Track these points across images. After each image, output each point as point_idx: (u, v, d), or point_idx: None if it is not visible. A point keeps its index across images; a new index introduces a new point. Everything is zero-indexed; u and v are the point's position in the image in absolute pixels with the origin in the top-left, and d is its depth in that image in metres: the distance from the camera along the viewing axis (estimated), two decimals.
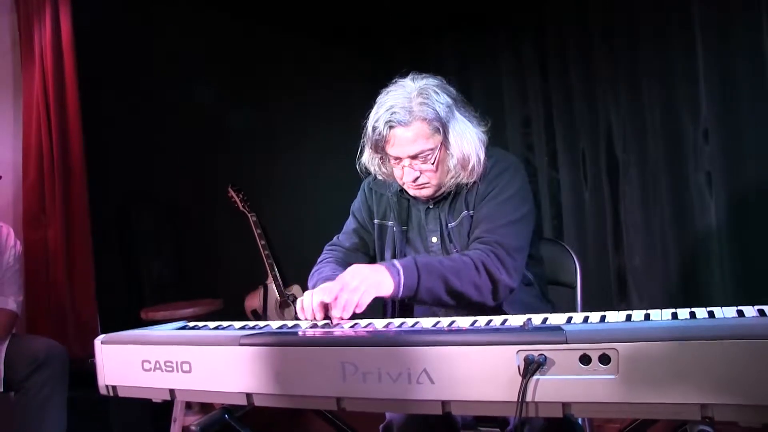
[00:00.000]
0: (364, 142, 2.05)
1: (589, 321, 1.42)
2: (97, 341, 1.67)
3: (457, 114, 1.97)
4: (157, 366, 1.56)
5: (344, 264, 2.13)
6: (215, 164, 4.30)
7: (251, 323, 1.80)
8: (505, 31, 4.60)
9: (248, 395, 1.47)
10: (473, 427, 1.98)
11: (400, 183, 2.04)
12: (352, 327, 1.60)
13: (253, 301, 4.16)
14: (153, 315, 3.37)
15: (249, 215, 4.18)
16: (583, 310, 2.12)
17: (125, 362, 1.61)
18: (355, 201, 2.27)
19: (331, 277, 1.92)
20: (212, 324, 1.85)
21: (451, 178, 1.98)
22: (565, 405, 1.18)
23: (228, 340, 1.49)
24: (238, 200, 4.20)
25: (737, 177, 3.78)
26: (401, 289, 1.76)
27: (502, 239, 1.92)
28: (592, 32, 4.26)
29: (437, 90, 1.94)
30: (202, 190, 4.25)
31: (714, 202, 3.87)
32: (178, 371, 1.54)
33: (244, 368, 1.45)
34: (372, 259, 2.22)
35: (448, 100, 1.95)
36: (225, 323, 1.83)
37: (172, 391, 1.57)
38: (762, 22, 3.62)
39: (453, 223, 2.04)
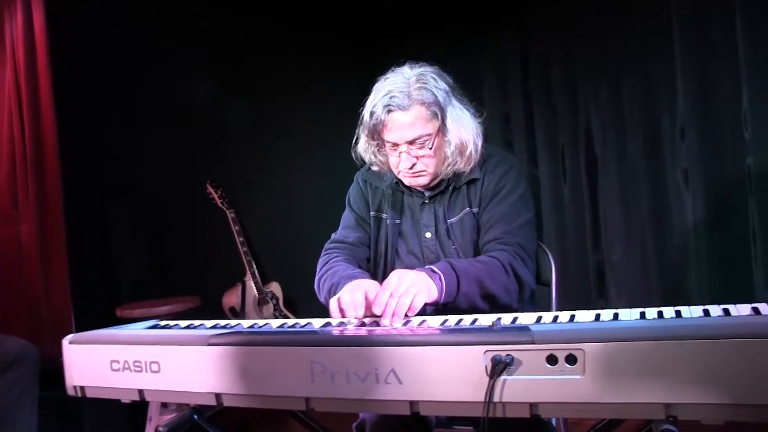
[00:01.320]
0: (359, 130, 2.04)
1: (558, 321, 1.42)
2: (65, 341, 1.65)
3: (454, 101, 1.98)
4: (126, 366, 1.55)
5: (354, 260, 2.12)
6: (194, 160, 4.27)
7: (223, 322, 1.79)
8: (486, 28, 4.59)
9: (217, 395, 1.46)
10: (447, 426, 1.98)
11: (396, 172, 2.03)
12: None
13: (231, 299, 4.14)
14: (129, 313, 3.35)
15: (227, 212, 4.16)
16: (558, 309, 2.12)
17: (93, 362, 1.60)
18: (350, 193, 2.25)
19: (354, 276, 1.92)
20: (183, 323, 1.83)
21: (448, 165, 1.98)
22: (533, 405, 1.18)
23: (197, 339, 1.48)
24: (216, 197, 4.18)
25: (714, 174, 3.80)
26: (443, 294, 1.73)
27: (522, 241, 1.95)
28: (571, 30, 4.26)
29: (435, 76, 1.94)
30: (180, 187, 4.22)
31: (691, 199, 3.89)
32: (146, 371, 1.53)
33: (213, 368, 1.44)
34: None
35: (446, 86, 1.96)
36: (197, 322, 1.82)
37: (141, 392, 1.56)
38: (736, 20, 3.64)
39: (453, 219, 2.03)
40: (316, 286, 2.11)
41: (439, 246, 2.05)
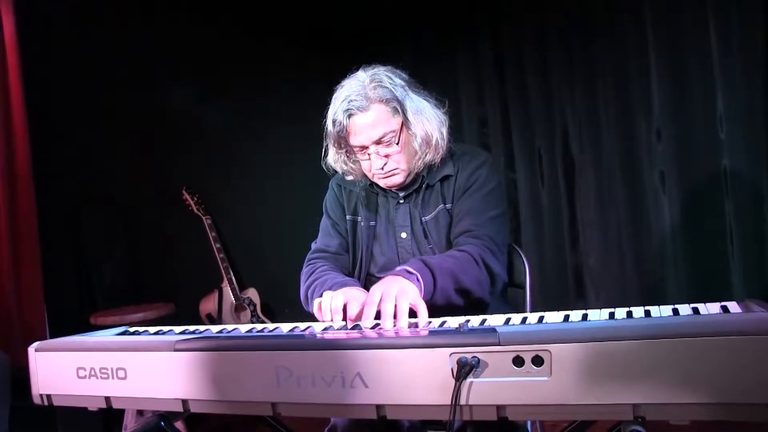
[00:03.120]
0: (326, 142, 2.03)
1: (527, 322, 1.41)
2: (31, 349, 1.62)
3: (412, 94, 1.97)
4: (92, 373, 1.52)
5: (339, 270, 2.11)
6: (170, 166, 4.23)
7: (192, 328, 1.77)
8: (461, 31, 4.61)
9: (184, 401, 1.44)
10: (420, 430, 1.96)
11: (369, 175, 2.03)
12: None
13: (208, 305, 4.10)
14: (103, 320, 3.30)
15: (204, 218, 4.13)
16: (533, 311, 2.12)
17: (60, 370, 1.56)
18: (326, 200, 2.23)
19: (346, 283, 1.92)
20: (153, 329, 1.81)
21: (419, 159, 1.97)
22: (500, 407, 1.16)
23: (163, 345, 1.45)
24: (192, 203, 4.14)
25: (690, 175, 3.83)
26: (422, 293, 1.70)
27: (492, 234, 1.95)
28: (547, 33, 4.28)
29: (389, 74, 1.94)
30: (156, 192, 4.18)
31: (668, 200, 3.91)
32: (113, 378, 1.50)
33: (180, 374, 1.42)
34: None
35: (401, 81, 1.95)
36: (166, 328, 1.80)
37: (107, 399, 1.53)
38: (709, 22, 3.68)
39: (428, 217, 2.02)
40: (302, 297, 2.09)
41: (416, 245, 2.04)
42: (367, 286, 2.10)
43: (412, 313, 1.57)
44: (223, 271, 4.09)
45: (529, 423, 1.94)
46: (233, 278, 4.11)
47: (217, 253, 4.10)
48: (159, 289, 3.99)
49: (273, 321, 3.94)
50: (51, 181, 3.58)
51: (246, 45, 4.46)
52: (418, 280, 1.69)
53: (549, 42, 4.28)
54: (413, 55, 4.61)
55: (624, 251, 4.10)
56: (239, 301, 4.09)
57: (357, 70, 1.98)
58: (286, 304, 4.06)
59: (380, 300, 1.55)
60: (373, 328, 1.53)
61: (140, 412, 3.26)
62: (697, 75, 3.75)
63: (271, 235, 4.44)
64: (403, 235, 2.06)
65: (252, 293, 4.19)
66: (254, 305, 4.16)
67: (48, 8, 3.56)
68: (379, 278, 2.06)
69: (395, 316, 1.53)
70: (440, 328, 1.45)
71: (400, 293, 1.57)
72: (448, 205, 2.02)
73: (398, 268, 1.76)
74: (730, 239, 3.72)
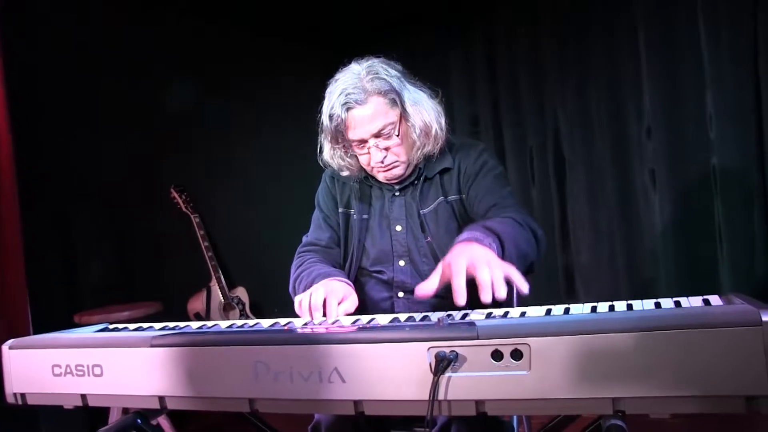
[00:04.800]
0: (321, 138, 2.01)
1: (508, 316, 1.39)
2: (5, 347, 1.60)
3: (408, 85, 1.96)
4: (68, 370, 1.50)
5: (328, 262, 2.09)
6: (159, 164, 4.20)
7: (172, 324, 1.75)
8: (454, 29, 4.59)
9: (161, 398, 1.42)
10: (406, 427, 1.94)
11: (368, 169, 2.00)
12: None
13: (196, 304, 4.08)
14: (87, 319, 3.26)
15: (192, 216, 4.10)
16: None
17: (34, 368, 1.54)
18: (319, 193, 2.21)
19: (330, 274, 1.90)
20: (132, 326, 1.79)
21: (418, 150, 1.95)
22: (478, 402, 1.15)
23: (139, 341, 1.43)
24: (181, 201, 4.12)
25: (680, 174, 3.82)
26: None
27: (517, 203, 1.95)
28: (539, 32, 4.27)
29: (384, 65, 1.92)
30: (144, 190, 4.15)
31: (658, 199, 3.90)
32: (89, 375, 1.48)
33: (156, 370, 1.40)
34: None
35: (397, 73, 1.93)
36: (146, 325, 1.77)
37: (83, 396, 1.50)
38: (699, 22, 3.68)
39: (426, 210, 2.00)
40: (291, 289, 2.07)
41: (411, 238, 2.02)
42: (359, 280, 2.09)
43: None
44: (211, 270, 4.07)
45: (515, 418, 1.92)
46: (222, 277, 4.08)
47: (205, 252, 4.07)
48: (147, 287, 3.96)
49: (266, 319, 3.92)
50: (38, 178, 3.56)
51: (237, 42, 4.43)
52: (490, 245, 1.57)
53: (541, 41, 4.27)
54: (406, 52, 4.56)
55: (615, 250, 4.09)
56: (228, 300, 4.07)
57: (349, 63, 1.96)
58: (276, 303, 4.03)
59: (467, 269, 1.42)
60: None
61: (126, 410, 3.24)
62: (687, 74, 3.75)
63: (261, 234, 4.41)
64: (398, 228, 2.03)
65: (241, 292, 4.16)
66: (243, 304, 4.14)
67: (36, 3, 3.53)
68: (371, 271, 2.06)
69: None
70: (420, 323, 1.43)
71: (489, 261, 1.43)
72: (451, 197, 2.00)
73: (465, 234, 1.64)
74: (719, 237, 3.71)
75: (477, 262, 1.41)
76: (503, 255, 1.61)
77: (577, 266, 4.25)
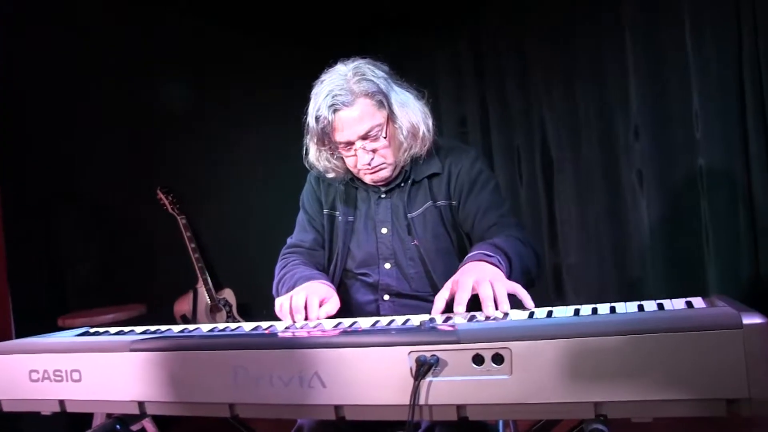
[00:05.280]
0: (307, 140, 1.99)
1: (491, 320, 1.38)
2: None
3: (394, 86, 1.94)
4: (46, 376, 1.48)
5: (312, 264, 2.07)
6: (145, 164, 4.17)
7: (153, 328, 1.73)
8: (441, 30, 4.59)
9: (140, 403, 1.40)
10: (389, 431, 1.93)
11: (355, 172, 1.98)
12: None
13: (183, 306, 4.05)
14: (71, 322, 3.23)
15: (179, 218, 4.07)
16: None
17: (11, 373, 1.52)
18: (303, 193, 2.19)
19: (312, 277, 1.90)
20: (114, 329, 1.77)
21: (405, 152, 1.94)
22: (460, 407, 1.14)
23: (118, 346, 1.41)
24: (167, 202, 4.09)
25: (667, 174, 3.83)
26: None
27: (517, 221, 1.98)
28: (527, 32, 4.27)
29: (370, 66, 1.90)
30: (130, 191, 4.12)
31: (645, 199, 3.91)
32: (67, 380, 1.46)
33: (136, 375, 1.39)
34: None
35: (384, 74, 1.92)
36: (127, 329, 1.76)
37: (62, 402, 1.49)
38: (685, 24, 3.69)
39: (414, 213, 1.99)
40: (274, 291, 2.06)
41: (397, 241, 2.01)
42: (343, 282, 2.08)
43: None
44: (198, 272, 4.04)
45: (501, 423, 1.91)
46: (208, 279, 4.06)
47: (192, 253, 4.04)
48: (133, 289, 3.93)
49: (249, 322, 3.89)
50: (21, 178, 3.53)
51: (225, 42, 4.41)
52: (499, 262, 1.64)
53: (528, 41, 4.27)
54: (393, 52, 4.56)
55: (603, 250, 4.10)
56: (214, 302, 4.04)
57: (334, 64, 1.94)
58: (264, 305, 4.01)
59: (473, 286, 1.49)
60: (445, 321, 1.45)
61: (109, 416, 3.21)
62: (673, 75, 3.76)
63: (247, 235, 4.38)
64: (384, 230, 2.02)
65: (228, 294, 4.14)
66: (230, 306, 4.11)
67: (17, 4, 3.50)
68: (357, 274, 2.04)
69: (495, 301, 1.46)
70: (400, 326, 1.42)
71: (493, 278, 1.51)
72: (439, 203, 1.98)
73: (474, 252, 1.70)
74: (706, 238, 3.72)
75: (480, 278, 1.49)
76: (510, 272, 1.67)
77: (566, 266, 4.25)
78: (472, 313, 1.46)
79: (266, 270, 2.19)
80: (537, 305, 1.53)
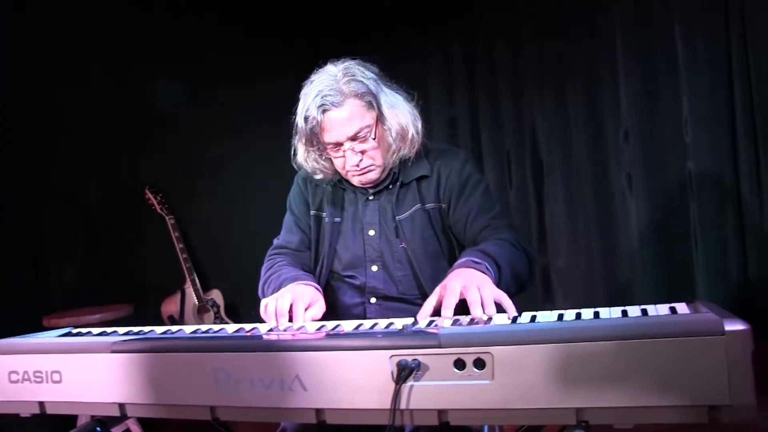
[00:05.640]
0: (295, 140, 1.97)
1: (474, 324, 1.38)
2: None
3: (384, 88, 1.92)
4: (26, 377, 1.46)
5: (298, 266, 2.06)
6: (134, 164, 4.15)
7: (137, 329, 1.71)
8: (432, 31, 4.58)
9: (121, 405, 1.39)
10: None
11: (344, 173, 1.96)
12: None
13: (170, 307, 4.03)
14: (56, 322, 3.21)
15: (167, 218, 4.06)
16: None
17: None
18: (291, 194, 2.17)
19: (298, 277, 1.88)
20: (97, 330, 1.75)
21: (393, 153, 1.92)
22: (441, 412, 1.13)
23: (100, 347, 1.40)
24: (155, 202, 4.07)
25: (656, 178, 3.85)
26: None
27: (510, 222, 1.96)
28: (518, 35, 4.28)
29: (360, 67, 1.88)
30: (119, 191, 4.10)
31: (634, 202, 3.92)
32: (47, 382, 1.44)
33: (117, 377, 1.37)
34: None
35: (373, 75, 1.90)
36: (110, 329, 1.74)
37: (41, 404, 1.47)
38: (675, 29, 3.72)
39: (402, 216, 1.97)
40: (260, 291, 2.05)
41: (384, 243, 1.99)
42: (330, 284, 2.06)
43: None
44: (186, 272, 4.02)
45: (486, 428, 1.90)
46: (196, 279, 4.04)
47: (180, 254, 4.03)
48: (120, 290, 3.91)
49: (238, 323, 3.88)
50: (8, 177, 3.50)
51: (214, 42, 4.39)
52: (487, 269, 1.63)
53: (519, 44, 4.28)
54: (384, 53, 4.55)
55: (592, 253, 4.10)
56: (202, 303, 4.02)
57: (325, 64, 1.92)
58: (253, 305, 3.99)
59: (461, 291, 1.49)
60: (429, 324, 1.46)
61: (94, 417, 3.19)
62: (663, 79, 3.78)
63: (236, 236, 4.37)
64: (371, 232, 2.00)
65: (216, 294, 4.12)
66: (218, 307, 4.10)
67: (5, 5, 3.48)
68: (344, 276, 2.03)
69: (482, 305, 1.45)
70: (382, 330, 1.41)
71: (480, 283, 1.51)
72: (428, 205, 1.97)
73: (463, 259, 1.69)
74: (695, 241, 3.74)
75: (468, 284, 1.49)
76: (500, 278, 1.66)
77: (555, 269, 4.25)
78: (456, 317, 1.45)
79: (254, 271, 2.18)
80: (525, 306, 1.52)
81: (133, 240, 4.17)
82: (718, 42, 3.60)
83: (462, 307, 1.48)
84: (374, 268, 2.00)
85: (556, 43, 4.13)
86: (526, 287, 1.87)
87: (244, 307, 4.31)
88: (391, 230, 1.99)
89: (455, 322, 1.42)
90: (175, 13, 4.23)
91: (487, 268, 1.63)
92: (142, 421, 3.10)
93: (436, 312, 1.52)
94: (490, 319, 1.39)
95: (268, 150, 3.74)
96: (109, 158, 4.04)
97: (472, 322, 1.40)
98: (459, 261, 1.70)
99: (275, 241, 2.18)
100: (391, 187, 2.01)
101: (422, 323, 1.47)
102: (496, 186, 4.38)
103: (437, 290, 1.57)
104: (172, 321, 3.99)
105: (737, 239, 3.65)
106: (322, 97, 1.81)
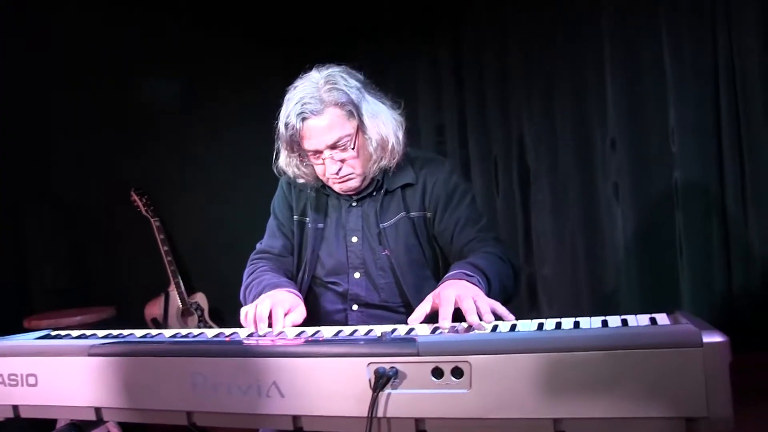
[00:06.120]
0: (278, 144, 1.95)
1: (455, 332, 1.37)
2: None
3: (367, 96, 1.90)
4: (0, 380, 1.44)
5: (281, 271, 2.05)
6: (119, 165, 4.12)
7: (116, 332, 1.70)
8: (421, 37, 4.58)
9: (97, 409, 1.39)
10: None
11: (324, 180, 1.95)
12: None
13: (154, 309, 4.00)
14: (37, 324, 3.17)
15: (152, 220, 4.03)
16: None
17: None
18: (274, 199, 2.16)
19: (279, 284, 1.87)
20: (76, 333, 1.73)
21: (374, 163, 1.91)
22: (418, 421, 1.12)
23: (77, 350, 1.39)
24: (141, 204, 4.04)
25: (642, 187, 3.86)
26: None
27: (497, 234, 1.96)
28: (507, 42, 4.28)
29: (344, 75, 1.86)
30: (103, 192, 4.07)
31: (621, 211, 3.93)
32: (22, 385, 1.44)
33: (93, 380, 1.37)
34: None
35: (357, 83, 1.88)
36: (89, 332, 1.72)
37: (15, 408, 1.46)
38: (662, 36, 3.73)
39: (387, 224, 1.96)
40: (241, 297, 2.04)
41: (367, 250, 1.98)
42: (312, 290, 2.05)
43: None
44: (170, 275, 3.99)
45: None
46: (181, 282, 4.01)
47: (164, 256, 3.99)
48: (103, 292, 3.89)
49: (223, 327, 3.85)
50: None
51: (200, 43, 4.37)
52: (479, 282, 1.64)
53: (508, 51, 4.28)
54: (372, 59, 4.57)
55: (578, 261, 4.10)
56: (186, 306, 4.00)
57: (310, 69, 1.90)
58: (237, 309, 3.98)
59: (456, 300, 1.48)
60: (433, 332, 1.44)
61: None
62: (651, 88, 3.79)
63: (221, 239, 4.34)
64: (354, 239, 1.99)
65: (200, 298, 4.09)
66: (202, 310, 4.07)
67: None
68: (326, 282, 2.02)
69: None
70: (360, 337, 1.40)
71: (475, 294, 1.50)
72: (412, 214, 1.96)
73: (454, 272, 1.69)
74: (680, 250, 3.75)
75: (462, 295, 1.48)
76: (489, 292, 1.65)
77: (540, 277, 4.25)
78: (454, 324, 1.44)
79: (239, 274, 2.17)
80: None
81: (116, 241, 4.14)
82: (705, 52, 3.62)
83: (455, 318, 1.47)
84: (357, 275, 1.99)
85: (544, 51, 4.14)
86: (511, 300, 1.86)
87: (229, 311, 4.29)
88: (374, 237, 1.98)
89: (452, 329, 1.41)
90: (161, 15, 4.21)
91: (478, 281, 1.63)
92: (122, 424, 3.07)
93: (429, 319, 1.52)
94: (495, 327, 1.38)
95: (255, 153, 3.71)
96: (93, 159, 4.01)
97: (469, 329, 1.39)
98: (450, 273, 1.70)
99: (258, 246, 2.17)
100: (374, 194, 2.00)
101: (401, 330, 1.46)
102: (483, 192, 4.37)
103: (430, 297, 1.56)
104: (156, 324, 3.96)
105: (722, 249, 3.66)
106: (302, 105, 1.80)
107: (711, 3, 3.62)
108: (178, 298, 3.98)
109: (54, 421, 2.78)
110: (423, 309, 1.54)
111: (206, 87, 4.37)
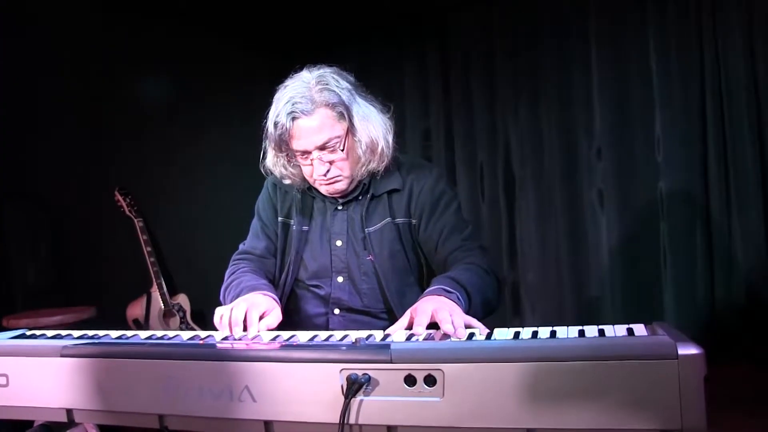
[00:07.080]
0: (266, 144, 1.93)
1: (430, 339, 1.36)
2: None
3: (359, 98, 1.88)
4: None
5: (261, 272, 2.03)
6: (102, 164, 4.08)
7: (92, 333, 1.68)
8: (409, 43, 4.59)
9: (69, 411, 1.37)
10: None
11: (311, 181, 1.93)
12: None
13: (135, 310, 3.97)
14: (15, 323, 3.14)
15: (135, 220, 4.00)
16: None
17: None
18: (259, 200, 2.14)
19: (257, 287, 1.84)
20: (51, 333, 1.71)
21: (362, 166, 1.89)
22: (390, 428, 1.11)
23: (49, 350, 1.37)
24: (125, 204, 4.01)
25: (627, 196, 3.88)
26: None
27: (481, 243, 1.94)
28: (494, 49, 4.30)
29: (335, 76, 1.85)
30: (85, 190, 4.02)
31: (605, 219, 3.94)
32: None
33: (65, 381, 1.35)
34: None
35: (348, 85, 1.86)
36: (65, 332, 1.70)
37: None
38: (649, 47, 3.76)
39: (372, 228, 1.94)
40: (221, 297, 2.01)
41: (352, 254, 1.96)
42: (295, 292, 2.03)
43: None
44: (152, 276, 3.96)
45: None
46: (163, 283, 3.98)
47: (147, 257, 3.96)
48: (85, 291, 3.84)
49: (204, 329, 3.83)
50: None
51: (187, 43, 4.36)
52: (458, 299, 1.62)
53: (495, 58, 4.30)
54: (360, 63, 4.56)
55: (561, 268, 4.12)
56: (168, 307, 3.97)
57: (301, 69, 1.88)
58: None
59: (432, 313, 1.48)
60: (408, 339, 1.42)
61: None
62: (637, 99, 3.82)
63: (204, 240, 4.32)
64: (338, 243, 1.97)
65: (182, 299, 4.06)
66: (184, 312, 4.04)
67: None
68: (309, 285, 2.00)
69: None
70: (334, 342, 1.39)
71: (452, 310, 1.49)
72: (398, 220, 1.95)
73: (434, 287, 1.67)
74: (664, 260, 3.77)
75: (441, 308, 1.47)
76: (469, 307, 1.64)
77: (524, 284, 4.26)
78: (411, 332, 1.43)
79: (222, 277, 2.15)
80: (493, 320, 1.53)
81: (98, 241, 4.10)
82: (691, 65, 3.66)
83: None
84: (340, 279, 1.97)
85: (530, 58, 4.16)
86: (494, 311, 1.85)
87: (211, 313, 4.24)
88: (359, 242, 1.97)
89: (428, 336, 1.40)
90: (147, 14, 4.19)
91: (458, 297, 1.62)
92: (100, 425, 3.04)
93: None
94: (471, 335, 1.37)
95: (240, 154, 3.71)
96: (75, 157, 3.96)
97: (445, 337, 1.38)
98: (430, 288, 1.68)
99: (240, 246, 2.15)
100: (360, 198, 1.98)
101: (376, 336, 1.45)
102: (469, 198, 4.38)
103: (408, 313, 1.56)
104: (137, 325, 3.93)
105: (705, 258, 3.68)
106: (293, 104, 1.78)
107: (697, 13, 3.65)
108: (161, 299, 3.95)
109: (31, 422, 2.77)
110: (401, 323, 1.53)
111: (191, 88, 4.35)
